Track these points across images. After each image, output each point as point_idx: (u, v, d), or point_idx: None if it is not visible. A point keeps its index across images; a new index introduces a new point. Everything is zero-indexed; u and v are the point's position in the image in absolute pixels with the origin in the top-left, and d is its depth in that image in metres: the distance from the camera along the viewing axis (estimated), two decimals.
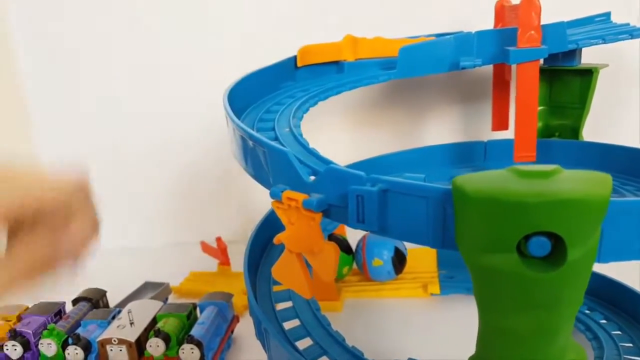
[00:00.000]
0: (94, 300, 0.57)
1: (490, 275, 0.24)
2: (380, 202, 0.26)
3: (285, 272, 0.30)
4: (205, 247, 0.68)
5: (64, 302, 0.56)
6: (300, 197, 0.28)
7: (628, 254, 0.26)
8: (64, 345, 0.48)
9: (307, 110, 0.47)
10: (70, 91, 0.75)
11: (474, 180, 0.23)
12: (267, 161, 0.31)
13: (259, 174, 0.33)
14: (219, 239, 0.67)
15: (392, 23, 0.66)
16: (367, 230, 0.27)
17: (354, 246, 0.60)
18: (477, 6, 0.64)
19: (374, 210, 0.26)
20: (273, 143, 0.31)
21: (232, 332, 0.53)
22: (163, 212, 0.78)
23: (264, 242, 0.48)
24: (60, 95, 0.75)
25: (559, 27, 0.46)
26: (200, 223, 0.77)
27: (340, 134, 0.73)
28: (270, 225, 0.48)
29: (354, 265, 0.61)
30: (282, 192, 0.29)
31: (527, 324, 0.24)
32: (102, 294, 0.58)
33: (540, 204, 0.21)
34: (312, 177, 0.30)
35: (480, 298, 0.25)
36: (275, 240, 0.29)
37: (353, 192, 0.27)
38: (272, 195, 0.29)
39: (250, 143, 0.32)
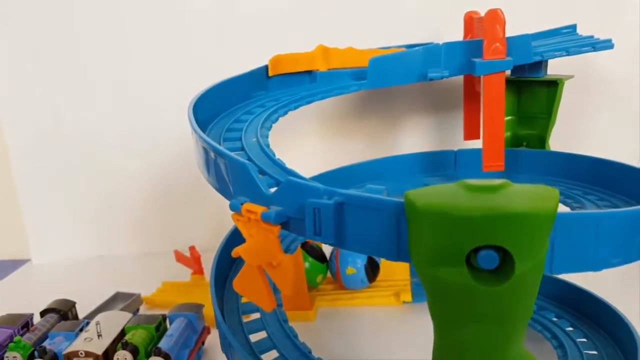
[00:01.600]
0: (63, 311, 0.56)
1: (441, 288, 0.24)
2: (336, 214, 0.26)
3: (246, 285, 0.30)
4: (179, 256, 0.68)
5: (32, 314, 0.55)
6: (259, 209, 0.28)
7: (579, 265, 0.26)
8: (30, 358, 0.47)
9: (277, 120, 0.47)
10: (43, 97, 0.74)
11: (424, 194, 0.24)
12: (228, 173, 0.31)
13: (221, 185, 0.33)
14: (192, 248, 0.66)
15: (364, 34, 0.66)
16: (324, 243, 0.27)
17: (328, 255, 0.61)
18: (449, 17, 0.64)
19: (330, 222, 0.26)
20: (233, 155, 0.31)
21: (202, 343, 0.52)
22: (136, 221, 0.77)
23: None
24: (31, 102, 0.74)
25: (524, 40, 0.47)
26: (174, 232, 0.76)
27: (316, 142, 0.74)
28: (240, 236, 0.48)
29: (328, 274, 0.61)
30: (242, 204, 0.29)
31: (478, 336, 0.24)
32: (71, 305, 0.57)
33: (486, 218, 0.21)
34: (273, 189, 0.30)
35: (433, 310, 0.25)
36: (234, 253, 0.29)
37: (310, 205, 0.27)
38: (232, 207, 0.29)
39: (212, 154, 0.32)
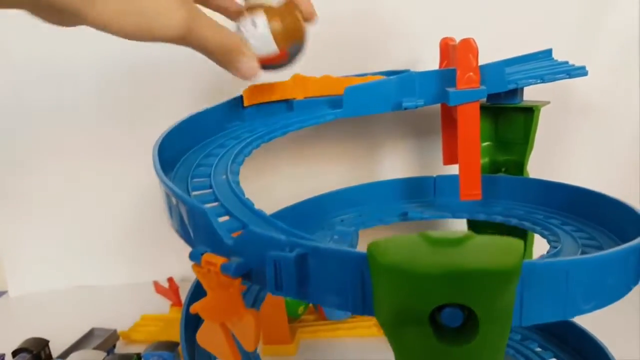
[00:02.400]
0: (35, 351, 0.54)
1: (406, 347, 0.23)
2: (298, 267, 0.25)
3: (209, 339, 0.29)
4: (159, 288, 0.66)
5: (4, 354, 0.53)
6: (219, 260, 0.27)
7: (550, 315, 0.25)
8: None
9: (250, 153, 0.46)
10: (17, 127, 0.72)
11: (386, 247, 0.23)
12: (189, 220, 0.30)
13: (183, 232, 0.32)
14: (170, 280, 0.65)
15: (341, 61, 0.66)
16: (286, 297, 0.26)
17: None
18: (429, 43, 0.64)
19: (292, 276, 0.25)
20: (193, 198, 0.30)
21: None
22: (114, 251, 0.76)
23: None
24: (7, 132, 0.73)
25: (498, 68, 0.47)
26: (153, 262, 0.75)
27: (295, 168, 0.73)
28: None
29: (310, 304, 0.60)
30: (202, 254, 0.28)
31: None
32: (44, 344, 0.55)
33: (445, 276, 0.21)
34: (236, 233, 0.29)
35: None
36: (192, 309, 0.27)
37: (270, 258, 0.26)
38: (191, 257, 0.28)
39: (173, 199, 0.31)
